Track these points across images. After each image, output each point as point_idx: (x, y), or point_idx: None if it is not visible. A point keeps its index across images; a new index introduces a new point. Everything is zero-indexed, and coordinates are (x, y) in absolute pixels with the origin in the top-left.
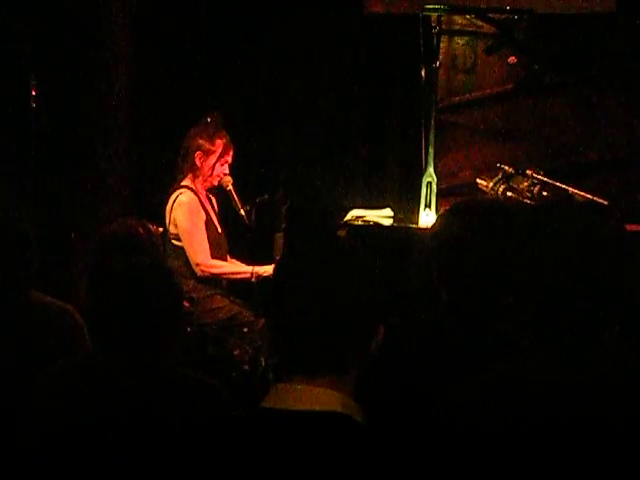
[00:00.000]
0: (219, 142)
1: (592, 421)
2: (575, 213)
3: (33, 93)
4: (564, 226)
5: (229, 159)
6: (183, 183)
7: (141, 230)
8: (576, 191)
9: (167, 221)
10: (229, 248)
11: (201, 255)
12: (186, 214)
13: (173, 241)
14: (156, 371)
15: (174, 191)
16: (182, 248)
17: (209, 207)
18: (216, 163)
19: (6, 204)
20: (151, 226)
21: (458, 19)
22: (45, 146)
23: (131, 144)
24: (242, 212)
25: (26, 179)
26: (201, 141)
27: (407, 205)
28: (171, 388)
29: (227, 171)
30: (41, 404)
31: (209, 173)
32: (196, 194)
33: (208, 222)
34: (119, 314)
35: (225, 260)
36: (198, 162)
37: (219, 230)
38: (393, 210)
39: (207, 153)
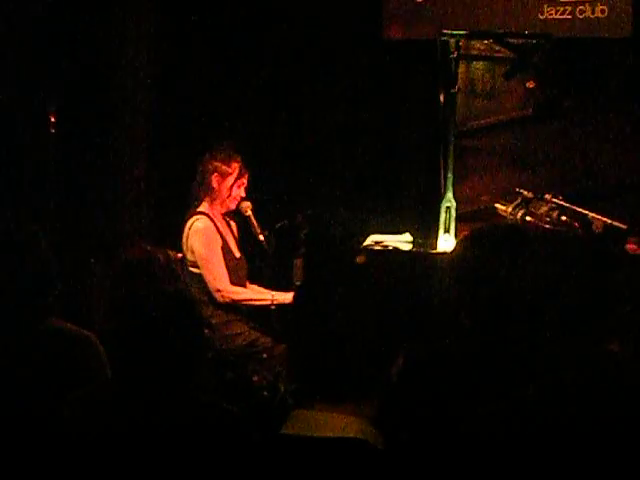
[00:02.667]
0: (235, 164)
1: (615, 440)
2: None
3: (52, 119)
4: (580, 253)
5: (245, 182)
6: (199, 209)
7: (160, 257)
8: (595, 215)
9: (184, 248)
10: (248, 273)
11: (221, 281)
12: (202, 241)
13: (191, 268)
14: (175, 398)
15: (190, 217)
16: (200, 275)
17: (226, 232)
18: (233, 185)
19: (26, 230)
20: (170, 253)
21: (476, 44)
22: (64, 172)
23: (150, 170)
24: (261, 237)
25: (45, 205)
26: (217, 163)
27: (426, 230)
28: (190, 415)
29: (244, 194)
30: (61, 431)
31: (227, 194)
32: (212, 220)
33: (224, 248)
34: (139, 342)
35: (244, 285)
36: (215, 184)
37: (237, 255)
38: (412, 235)
39: (224, 175)
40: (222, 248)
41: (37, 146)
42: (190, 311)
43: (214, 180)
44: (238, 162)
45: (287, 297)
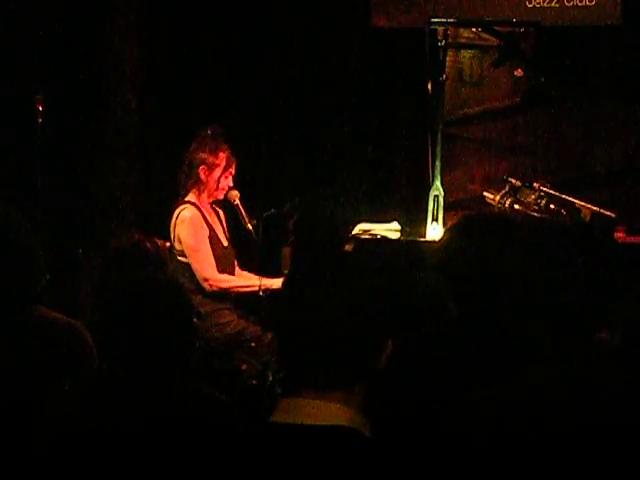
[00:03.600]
0: (222, 155)
1: (602, 429)
2: (577, 229)
3: (40, 109)
4: (567, 241)
5: (233, 171)
6: (186, 199)
7: (149, 245)
8: (583, 203)
9: (171, 237)
10: (238, 261)
11: (208, 270)
12: (189, 230)
13: (178, 257)
14: (164, 386)
15: (177, 207)
16: (187, 264)
17: (214, 221)
18: (221, 176)
19: (13, 220)
20: (158, 241)
21: (464, 32)
22: (52, 162)
23: (139, 159)
24: (249, 226)
25: (33, 195)
26: (204, 155)
27: (414, 218)
28: (179, 403)
29: (232, 183)
30: (48, 421)
31: (215, 187)
32: (199, 209)
33: (212, 236)
34: (128, 330)
35: (232, 274)
36: (203, 177)
37: (224, 244)
38: (400, 224)
39: (211, 167)
40: (209, 237)
41: (25, 135)
42: (180, 299)
43: (201, 172)
44: (225, 151)
45: (275, 282)
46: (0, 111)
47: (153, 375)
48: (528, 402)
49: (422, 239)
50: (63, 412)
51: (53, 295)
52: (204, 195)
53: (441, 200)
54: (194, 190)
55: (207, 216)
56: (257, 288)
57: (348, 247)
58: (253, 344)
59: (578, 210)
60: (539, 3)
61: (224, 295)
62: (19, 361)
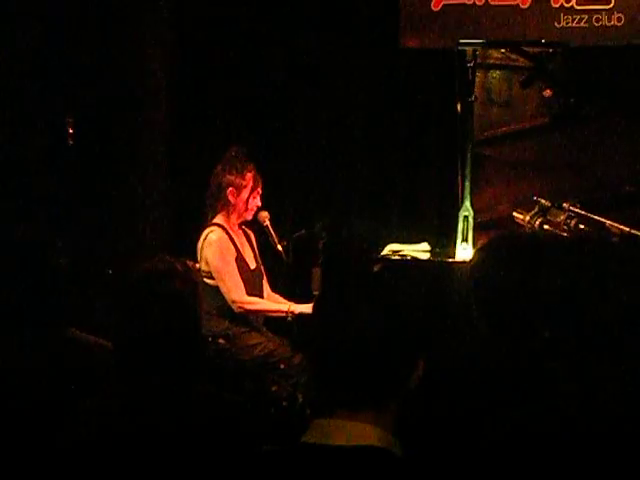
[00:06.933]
0: (249, 175)
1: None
2: (608, 249)
3: (70, 131)
4: (598, 261)
5: (260, 190)
6: (214, 221)
7: (179, 267)
8: (613, 224)
9: (198, 258)
10: (269, 282)
11: (236, 292)
12: (216, 253)
13: (205, 279)
14: (189, 404)
15: (205, 229)
16: (214, 286)
17: (242, 243)
18: (249, 197)
19: (44, 241)
20: (188, 262)
21: (493, 53)
22: (82, 183)
23: (169, 180)
24: (279, 247)
25: (63, 216)
26: (231, 177)
27: (444, 239)
28: (200, 419)
29: (260, 203)
30: (79, 440)
31: (244, 208)
32: (227, 231)
33: (239, 259)
34: (153, 349)
35: (261, 296)
36: (232, 199)
37: (251, 267)
38: (430, 244)
39: (239, 188)
40: (236, 259)
41: (55, 156)
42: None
43: (230, 194)
44: (251, 171)
45: (303, 308)
46: (30, 133)
47: (171, 389)
48: (563, 425)
49: (452, 259)
50: (90, 432)
51: (83, 316)
52: (233, 217)
53: (471, 220)
54: (223, 212)
55: (235, 238)
56: (285, 313)
57: (378, 268)
58: (282, 365)
59: (608, 230)
60: (567, 23)
61: (252, 317)
62: (51, 382)
